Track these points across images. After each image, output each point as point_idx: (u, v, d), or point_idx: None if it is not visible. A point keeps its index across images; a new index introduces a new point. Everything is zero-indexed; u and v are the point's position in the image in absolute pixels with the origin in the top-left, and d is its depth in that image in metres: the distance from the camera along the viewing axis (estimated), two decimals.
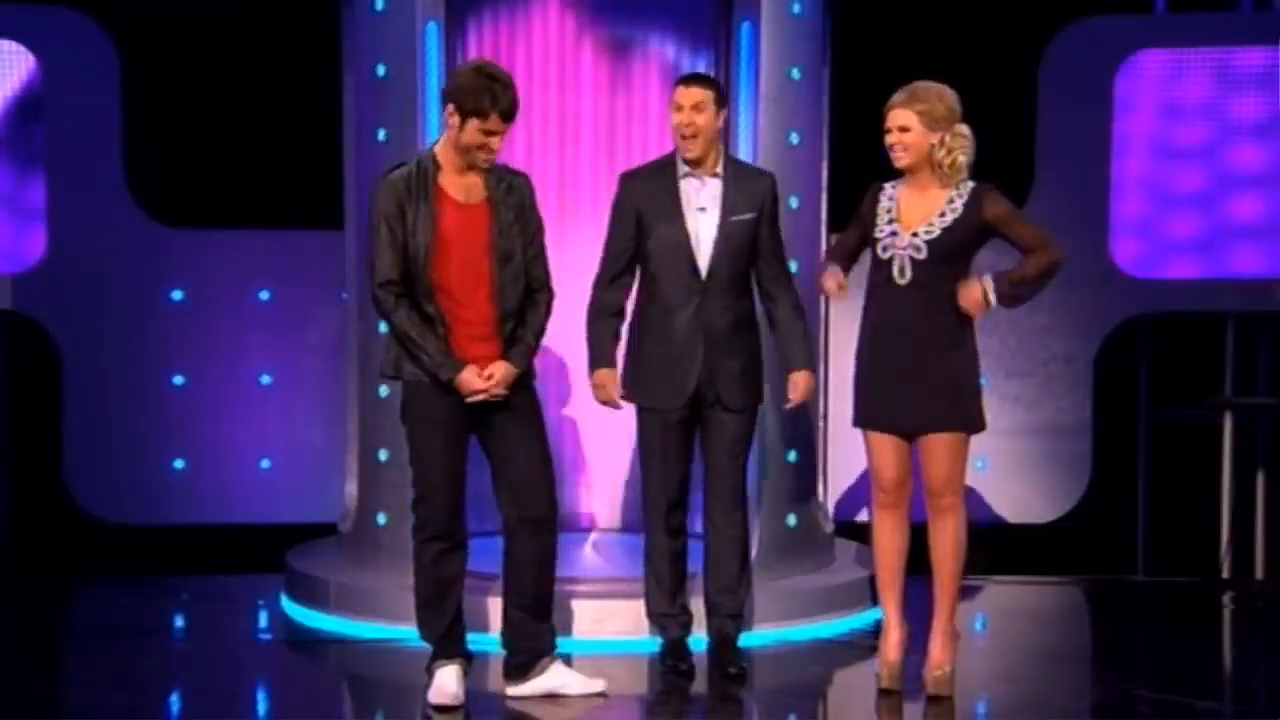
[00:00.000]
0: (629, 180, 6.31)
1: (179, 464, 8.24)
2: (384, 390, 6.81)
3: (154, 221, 8.21)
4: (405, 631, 6.15)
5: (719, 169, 6.21)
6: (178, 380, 8.25)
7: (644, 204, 6.19)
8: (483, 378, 5.57)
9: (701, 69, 7.43)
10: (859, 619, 7.04)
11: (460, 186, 5.64)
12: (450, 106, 5.52)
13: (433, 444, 5.65)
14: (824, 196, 7.47)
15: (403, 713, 6.10)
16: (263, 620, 7.35)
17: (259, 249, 8.23)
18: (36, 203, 8.14)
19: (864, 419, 5.90)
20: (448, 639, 5.75)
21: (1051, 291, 8.18)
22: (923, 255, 5.72)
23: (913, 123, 5.72)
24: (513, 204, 5.68)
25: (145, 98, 8.25)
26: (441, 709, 5.66)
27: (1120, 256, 8.32)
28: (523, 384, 5.72)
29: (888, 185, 5.92)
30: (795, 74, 7.25)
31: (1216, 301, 8.26)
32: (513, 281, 5.65)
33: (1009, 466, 8.35)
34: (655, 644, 6.30)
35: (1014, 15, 8.30)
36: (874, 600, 7.07)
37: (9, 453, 8.44)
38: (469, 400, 5.57)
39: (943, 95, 5.78)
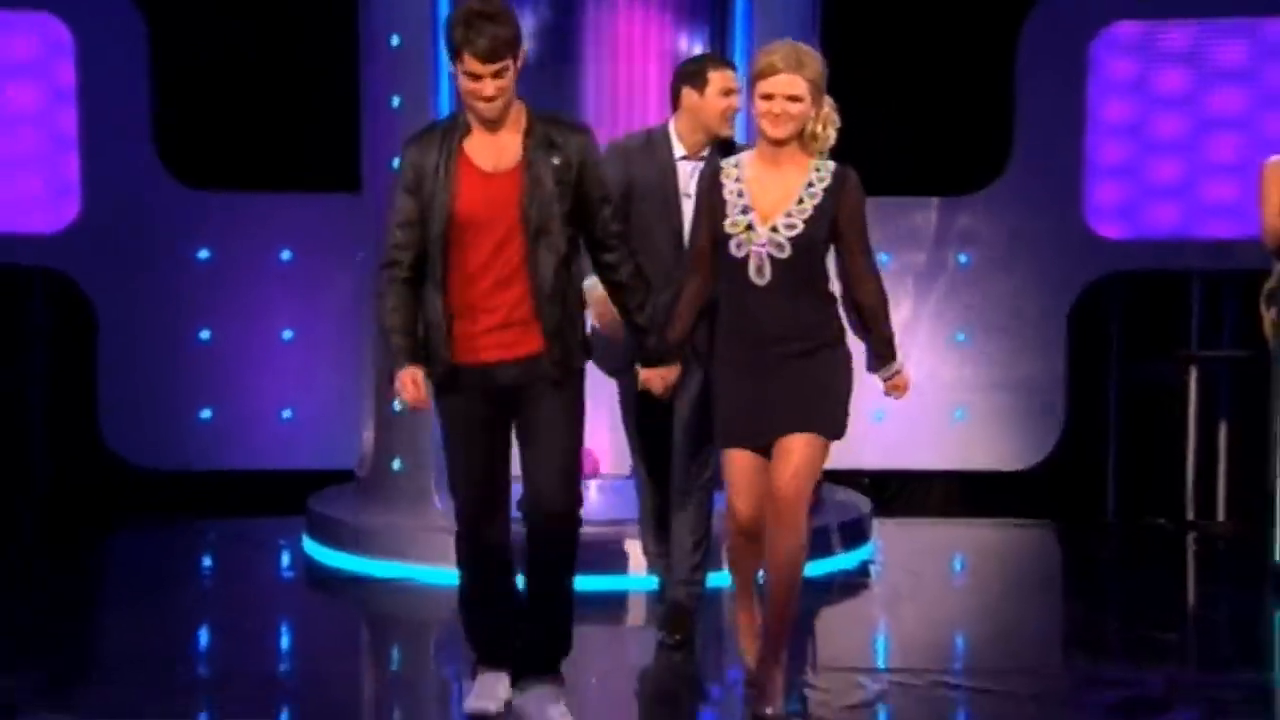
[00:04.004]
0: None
1: (206, 414, 8.25)
2: None
3: (181, 184, 8.20)
4: (419, 570, 6.19)
5: None
6: (204, 335, 8.26)
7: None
8: (418, 390, 4.60)
9: (699, 41, 7.39)
10: (843, 559, 7.06)
11: (489, 150, 4.57)
12: (446, 53, 4.54)
13: (453, 441, 4.77)
14: None
15: (417, 646, 6.15)
16: (285, 560, 7.37)
17: (281, 211, 8.22)
18: (70, 166, 8.13)
19: (727, 439, 4.84)
20: (491, 645, 4.96)
21: (1029, 252, 8.31)
22: (785, 254, 4.67)
23: (803, 91, 4.66)
24: (556, 165, 4.55)
25: (172, 66, 8.23)
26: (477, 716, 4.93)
27: (1093, 219, 8.31)
28: (566, 377, 4.68)
29: (726, 164, 4.85)
30: None
31: (1183, 260, 8.26)
32: (550, 258, 4.56)
33: (986, 416, 8.38)
34: (653, 581, 6.29)
35: None
36: (856, 543, 7.15)
37: (47, 404, 8.46)
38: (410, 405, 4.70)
39: (821, 60, 4.76)
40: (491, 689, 4.90)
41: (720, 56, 6.39)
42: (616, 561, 6.32)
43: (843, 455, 5.03)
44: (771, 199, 4.71)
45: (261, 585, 7.15)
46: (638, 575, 6.39)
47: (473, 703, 4.89)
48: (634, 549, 6.37)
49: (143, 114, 8.18)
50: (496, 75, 4.43)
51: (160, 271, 8.21)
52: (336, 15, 7.88)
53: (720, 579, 5.84)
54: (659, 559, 6.10)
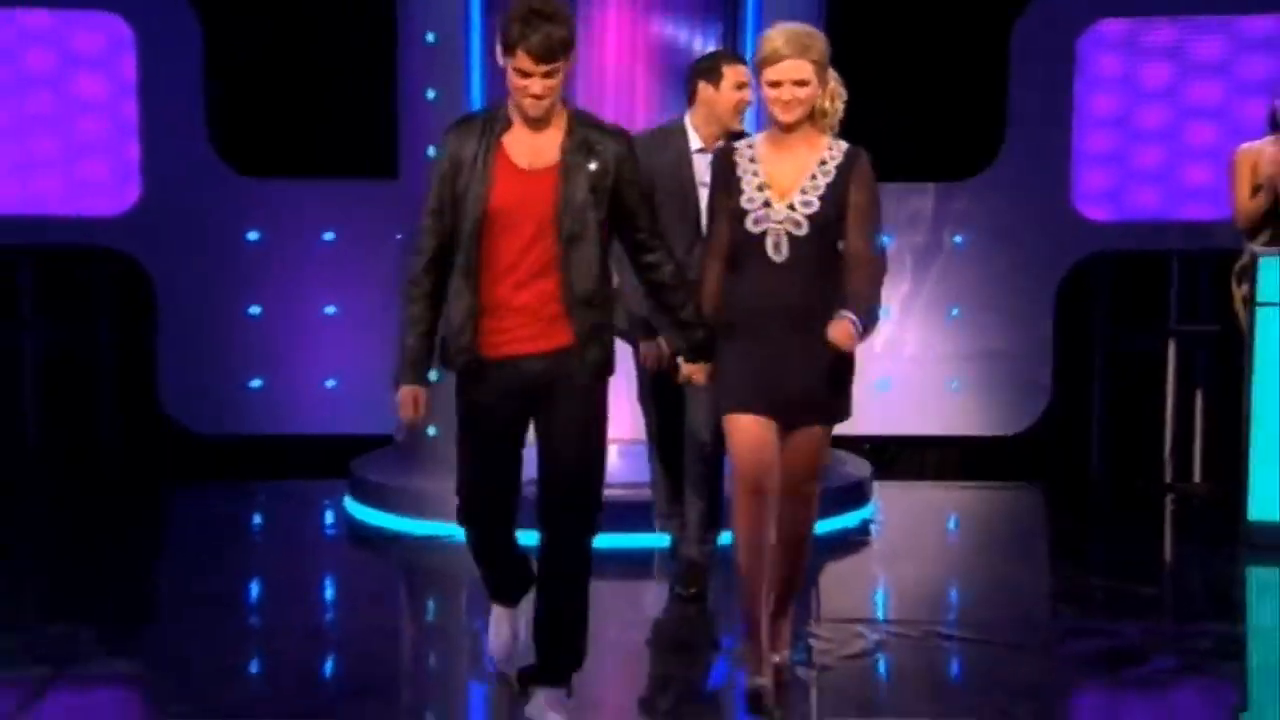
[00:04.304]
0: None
1: (256, 383, 8.24)
2: None
3: (233, 171, 8.18)
4: (452, 529, 6.13)
5: None
6: (254, 310, 8.24)
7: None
8: (417, 412, 4.41)
9: (713, 37, 7.36)
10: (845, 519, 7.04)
11: (527, 147, 4.26)
12: (499, 46, 4.23)
13: (467, 437, 4.46)
14: None
15: (450, 599, 6.16)
16: (329, 519, 7.36)
17: (324, 196, 8.18)
18: (132, 153, 8.12)
19: (734, 404, 4.52)
20: (503, 589, 4.76)
21: (1019, 234, 8.27)
22: (803, 231, 4.41)
23: (809, 74, 4.41)
24: (592, 170, 4.25)
25: (225, 61, 8.20)
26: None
27: (1080, 203, 8.26)
28: (595, 378, 4.36)
29: (740, 146, 4.59)
30: None
31: (1164, 241, 8.21)
32: (585, 263, 4.25)
33: (979, 386, 8.34)
34: (665, 540, 6.26)
35: None
36: (857, 504, 7.12)
37: (111, 374, 8.46)
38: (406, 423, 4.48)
39: (823, 39, 4.50)
40: (499, 627, 4.78)
41: (733, 52, 6.34)
42: (635, 521, 6.29)
43: (845, 423, 4.96)
44: (787, 177, 4.44)
45: (306, 542, 7.18)
46: (655, 534, 6.36)
47: (491, 640, 4.81)
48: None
49: (197, 105, 8.15)
50: (547, 75, 4.16)
51: (214, 252, 8.19)
52: (376, 14, 7.86)
53: (729, 537, 5.82)
54: (670, 520, 6.09)
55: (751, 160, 4.49)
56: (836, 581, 6.39)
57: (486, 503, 4.46)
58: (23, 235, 7.76)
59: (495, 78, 7.08)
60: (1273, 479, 6.67)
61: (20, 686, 4.96)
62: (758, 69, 4.48)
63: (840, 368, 4.47)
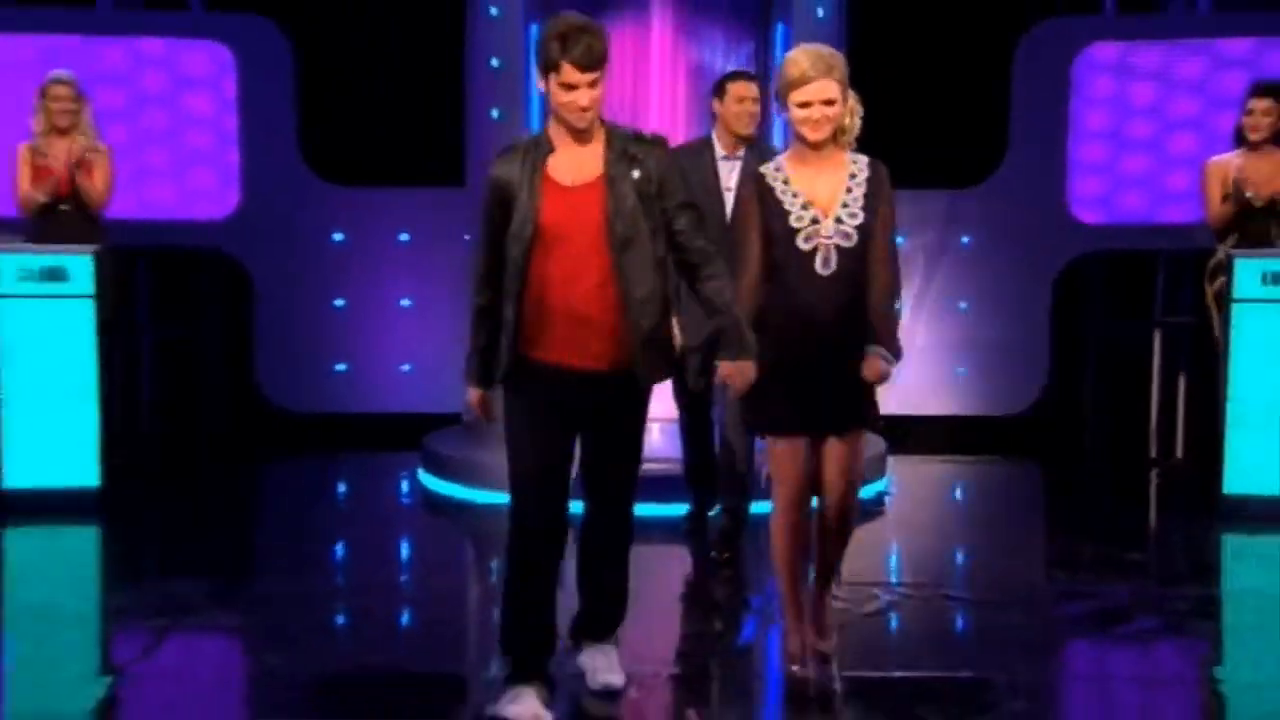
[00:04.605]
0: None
1: (341, 366, 8.28)
2: None
3: (320, 179, 8.22)
4: None
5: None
6: (339, 302, 8.28)
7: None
8: (484, 410, 4.28)
9: (745, 60, 7.36)
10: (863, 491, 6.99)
11: (571, 165, 4.02)
12: (538, 73, 4.01)
13: (519, 440, 4.14)
14: None
15: None
16: (404, 488, 7.37)
17: (400, 202, 8.20)
18: (232, 163, 8.17)
19: (775, 427, 4.27)
20: (526, 657, 4.21)
21: (1020, 235, 8.22)
22: (852, 242, 4.17)
23: (836, 93, 4.17)
24: (636, 179, 4.00)
25: (313, 83, 8.25)
26: None
27: (1075, 207, 8.22)
28: (640, 391, 4.16)
29: (768, 170, 4.27)
30: None
31: (1150, 242, 8.17)
32: (640, 268, 4.00)
33: (983, 371, 8.33)
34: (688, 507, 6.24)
35: (993, 16, 8.24)
36: (873, 477, 7.08)
37: (214, 359, 8.51)
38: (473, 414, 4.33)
39: (843, 59, 4.25)
40: (528, 706, 4.13)
41: (736, 72, 6.41)
42: (674, 493, 6.30)
43: None
44: (824, 194, 4.20)
45: (384, 510, 7.19)
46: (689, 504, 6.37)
47: (509, 709, 4.15)
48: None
49: (289, 121, 8.21)
50: (592, 85, 3.92)
51: (303, 251, 8.24)
52: (447, 41, 7.90)
53: (761, 507, 5.82)
54: (701, 492, 6.13)
55: (785, 182, 4.22)
56: (854, 548, 6.17)
57: (543, 501, 4.11)
58: (139, 238, 7.81)
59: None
60: (1246, 455, 6.62)
61: (143, 636, 5.03)
62: (785, 91, 4.21)
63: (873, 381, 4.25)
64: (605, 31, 4.00)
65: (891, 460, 7.32)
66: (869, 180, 4.23)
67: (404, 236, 8.25)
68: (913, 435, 7.87)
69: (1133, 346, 8.40)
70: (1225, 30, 8.09)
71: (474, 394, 4.29)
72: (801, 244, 4.16)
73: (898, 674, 4.73)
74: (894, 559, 6.31)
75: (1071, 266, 8.33)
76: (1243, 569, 6.25)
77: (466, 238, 7.43)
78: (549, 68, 3.93)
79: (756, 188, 4.24)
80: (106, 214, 6.97)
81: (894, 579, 5.96)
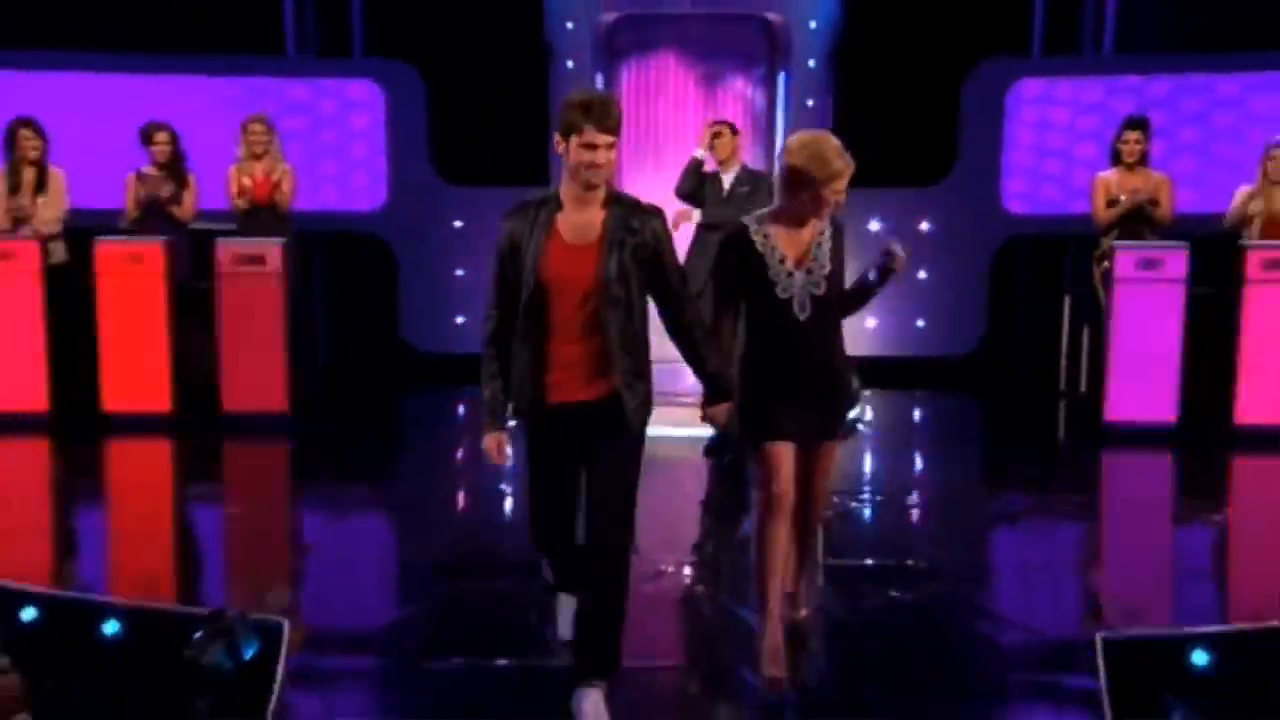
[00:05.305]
0: None
1: (460, 319, 8.39)
2: None
3: (444, 181, 8.36)
4: None
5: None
6: (459, 272, 8.44)
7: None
8: (501, 457, 3.65)
9: (760, 102, 7.50)
10: None
11: (576, 225, 3.53)
12: (557, 136, 3.53)
13: (533, 475, 3.69)
14: None
15: None
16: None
17: (501, 196, 8.21)
18: (381, 168, 8.30)
19: (770, 435, 3.83)
20: (569, 582, 3.88)
21: (966, 223, 8.18)
22: (821, 290, 3.78)
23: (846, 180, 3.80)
24: (633, 246, 3.51)
25: (439, 107, 8.36)
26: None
27: (1007, 202, 8.31)
28: (632, 425, 3.57)
29: (750, 226, 3.83)
30: (810, 103, 7.27)
31: (1062, 228, 8.17)
32: (624, 323, 3.51)
33: (937, 322, 8.39)
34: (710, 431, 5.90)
35: (947, 58, 8.27)
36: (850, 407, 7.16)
37: (367, 316, 8.66)
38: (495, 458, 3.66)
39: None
40: (567, 611, 3.93)
41: (711, 120, 6.48)
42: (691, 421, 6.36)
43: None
44: (797, 250, 3.80)
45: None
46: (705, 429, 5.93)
47: (560, 624, 3.98)
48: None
49: (422, 138, 8.35)
50: (609, 147, 3.48)
51: (433, 234, 8.35)
52: (537, 81, 7.98)
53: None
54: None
55: (765, 238, 3.81)
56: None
57: (551, 528, 3.72)
58: (314, 225, 7.87)
59: (610, 88, 6.91)
60: (1125, 391, 6.66)
61: (310, 523, 5.19)
62: (821, 182, 3.74)
63: (845, 390, 3.99)
64: (617, 101, 3.65)
65: (864, 394, 7.26)
66: (831, 236, 3.85)
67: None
68: (881, 372, 8.07)
69: (1048, 307, 8.34)
70: (1121, 69, 8.12)
71: (489, 439, 3.66)
72: (780, 293, 3.80)
73: (867, 561, 4.71)
74: (863, 471, 6.29)
75: (1004, 246, 8.38)
76: (1114, 480, 6.32)
77: None
78: (571, 130, 3.47)
79: (740, 241, 3.83)
80: (291, 212, 7.14)
81: (865, 488, 5.92)
